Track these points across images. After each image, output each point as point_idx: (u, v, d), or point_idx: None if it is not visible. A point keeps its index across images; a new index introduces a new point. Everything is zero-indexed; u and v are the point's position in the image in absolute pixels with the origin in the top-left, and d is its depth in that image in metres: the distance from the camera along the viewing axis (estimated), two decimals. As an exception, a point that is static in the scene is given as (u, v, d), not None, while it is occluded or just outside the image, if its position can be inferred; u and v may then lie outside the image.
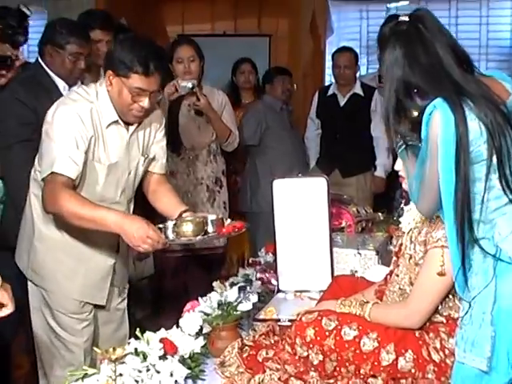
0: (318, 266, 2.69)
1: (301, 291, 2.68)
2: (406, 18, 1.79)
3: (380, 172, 4.54)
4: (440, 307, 1.92)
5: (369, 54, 6.25)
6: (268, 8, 6.55)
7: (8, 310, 1.73)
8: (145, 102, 2.37)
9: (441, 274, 1.83)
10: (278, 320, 2.36)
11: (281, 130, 4.51)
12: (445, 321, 1.93)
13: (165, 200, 2.62)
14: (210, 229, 2.38)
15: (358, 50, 6.64)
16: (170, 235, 2.32)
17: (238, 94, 4.82)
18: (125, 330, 2.70)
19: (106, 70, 2.39)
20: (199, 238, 2.33)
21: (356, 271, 2.71)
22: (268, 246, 3.05)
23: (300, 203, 2.68)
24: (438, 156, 1.64)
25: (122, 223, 2.23)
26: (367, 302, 2.00)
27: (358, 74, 4.77)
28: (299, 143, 4.72)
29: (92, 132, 2.37)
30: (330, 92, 4.68)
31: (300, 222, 2.68)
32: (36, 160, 2.48)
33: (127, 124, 2.47)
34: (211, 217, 2.42)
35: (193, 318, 2.16)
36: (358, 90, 4.58)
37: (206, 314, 2.19)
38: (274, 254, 2.75)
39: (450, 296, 1.91)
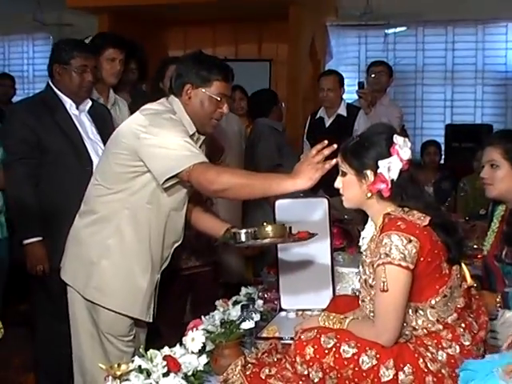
0: (320, 285, 2.69)
1: (302, 310, 2.68)
2: None
3: None
4: (413, 322, 1.95)
5: (367, 78, 6.29)
6: (268, 33, 6.63)
7: None
8: (225, 108, 2.47)
9: (383, 291, 1.86)
10: (281, 338, 2.36)
11: (289, 150, 4.61)
12: (426, 333, 1.95)
13: (207, 217, 2.68)
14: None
15: (356, 75, 6.78)
16: (246, 239, 2.35)
17: None
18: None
19: (180, 86, 2.45)
20: (280, 239, 2.36)
21: (357, 290, 2.70)
22: (270, 266, 3.05)
23: (302, 223, 2.67)
24: None
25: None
26: (345, 318, 2.03)
27: (344, 96, 4.76)
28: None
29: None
30: (318, 115, 4.72)
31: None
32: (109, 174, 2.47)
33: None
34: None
35: (196, 335, 2.16)
36: (342, 111, 4.58)
37: (209, 331, 2.18)
38: (276, 273, 2.76)
39: (410, 312, 1.94)
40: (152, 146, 2.32)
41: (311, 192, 3.90)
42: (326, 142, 2.14)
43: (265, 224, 2.34)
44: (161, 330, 3.27)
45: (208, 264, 3.57)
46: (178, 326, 2.43)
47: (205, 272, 3.56)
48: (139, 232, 2.47)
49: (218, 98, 2.44)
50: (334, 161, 2.07)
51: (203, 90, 2.44)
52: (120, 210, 2.45)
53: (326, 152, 2.09)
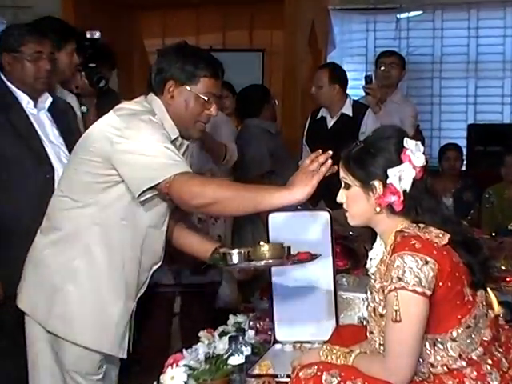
0: (321, 312, 2.69)
1: (301, 342, 2.68)
2: None
3: None
4: (430, 357, 1.95)
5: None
6: (261, 19, 6.66)
7: None
8: (213, 109, 2.48)
9: (396, 321, 1.87)
10: (275, 376, 2.35)
11: (284, 155, 4.65)
12: (446, 370, 1.95)
13: (192, 235, 2.69)
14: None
15: (363, 67, 6.81)
16: (239, 261, 2.36)
17: None
18: None
19: (161, 83, 2.46)
20: (277, 261, 2.36)
21: (365, 319, 2.71)
22: (263, 291, 3.05)
23: (299, 240, 2.67)
24: None
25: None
26: (351, 352, 2.03)
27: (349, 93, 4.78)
28: (296, 169, 4.81)
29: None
30: (320, 114, 4.74)
31: (299, 262, 2.70)
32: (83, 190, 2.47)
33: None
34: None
35: (176, 373, 2.16)
36: (347, 109, 4.59)
37: (191, 368, 2.19)
38: (270, 299, 2.76)
39: (428, 345, 1.94)
40: (127, 152, 2.32)
41: (310, 204, 3.94)
42: (320, 151, 2.17)
43: (261, 243, 2.36)
44: (141, 361, 3.29)
45: (195, 285, 3.62)
46: (162, 355, 2.42)
47: (193, 293, 3.59)
48: (111, 253, 2.46)
49: (206, 98, 2.45)
50: (329, 162, 2.11)
51: (188, 88, 2.45)
52: (89, 227, 2.45)
53: (321, 159, 2.12)
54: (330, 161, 2.10)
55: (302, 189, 2.11)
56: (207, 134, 3.78)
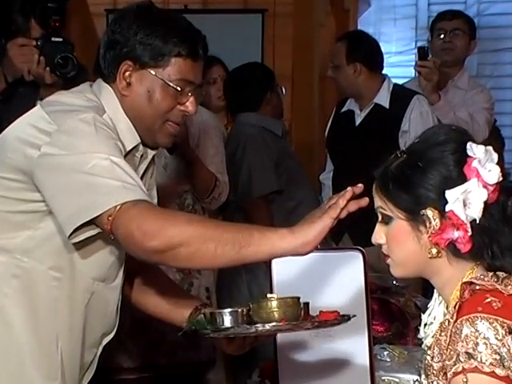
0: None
1: None
2: None
3: None
4: None
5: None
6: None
7: None
8: (190, 103, 2.49)
9: None
10: None
11: (293, 167, 4.73)
12: None
13: (161, 290, 2.69)
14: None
15: (412, 35, 6.83)
16: (233, 323, 2.34)
17: None
18: None
19: (114, 63, 2.46)
20: (290, 324, 2.32)
21: (415, 411, 2.72)
22: (264, 371, 3.06)
23: (319, 294, 2.69)
24: None
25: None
26: None
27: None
28: (312, 188, 4.92)
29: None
30: (346, 107, 4.78)
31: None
32: None
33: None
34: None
35: None
36: (382, 99, 4.68)
37: None
38: (276, 379, 2.77)
39: None
40: (55, 167, 2.30)
41: (332, 240, 3.93)
42: (349, 189, 2.17)
43: (266, 298, 2.34)
44: None
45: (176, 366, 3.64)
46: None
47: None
48: (37, 319, 2.45)
49: (178, 88, 2.45)
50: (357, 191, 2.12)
51: (152, 72, 2.45)
52: (4, 280, 2.44)
53: (341, 202, 2.12)
54: (360, 187, 2.12)
55: (311, 236, 2.11)
56: (195, 154, 3.82)
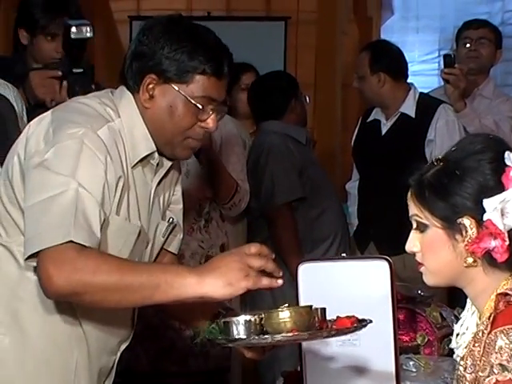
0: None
1: None
2: None
3: None
4: None
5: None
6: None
7: None
8: (211, 120, 2.50)
9: None
10: None
11: (317, 174, 4.73)
12: None
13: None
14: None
15: (436, 42, 6.81)
16: (246, 333, 2.33)
17: None
18: None
19: (139, 75, 2.47)
20: (303, 334, 2.30)
21: (443, 423, 2.71)
22: (289, 374, 3.05)
23: (344, 303, 2.67)
24: None
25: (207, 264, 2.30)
26: None
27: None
28: (336, 197, 4.93)
29: (120, 170, 2.41)
30: (372, 117, 4.79)
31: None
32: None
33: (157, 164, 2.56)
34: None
35: None
36: (408, 108, 4.69)
37: None
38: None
39: None
40: (34, 180, 2.32)
41: (358, 249, 3.93)
42: (257, 246, 2.29)
43: (282, 307, 2.33)
44: None
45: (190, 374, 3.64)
46: None
47: None
48: (52, 324, 2.46)
49: (200, 105, 2.45)
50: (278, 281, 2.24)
51: (176, 88, 2.46)
52: (18, 282, 2.45)
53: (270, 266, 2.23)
54: (279, 281, 2.24)
55: (220, 285, 2.18)
56: (216, 156, 3.83)
